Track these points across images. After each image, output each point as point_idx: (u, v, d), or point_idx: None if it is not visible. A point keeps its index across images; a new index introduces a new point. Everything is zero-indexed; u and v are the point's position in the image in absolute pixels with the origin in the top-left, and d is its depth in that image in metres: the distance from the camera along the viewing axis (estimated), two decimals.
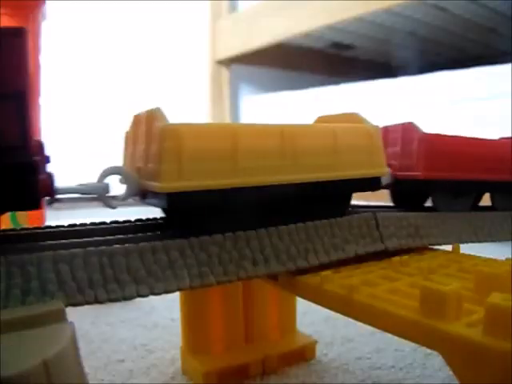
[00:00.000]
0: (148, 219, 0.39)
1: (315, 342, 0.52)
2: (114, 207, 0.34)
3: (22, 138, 0.27)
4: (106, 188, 0.33)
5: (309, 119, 0.45)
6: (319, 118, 0.44)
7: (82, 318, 0.63)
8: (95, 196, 0.33)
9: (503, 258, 0.37)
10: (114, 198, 0.34)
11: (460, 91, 1.27)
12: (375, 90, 1.45)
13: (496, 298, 0.23)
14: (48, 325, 0.24)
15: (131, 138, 0.37)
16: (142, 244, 0.30)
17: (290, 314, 0.53)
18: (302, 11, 1.45)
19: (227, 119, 1.94)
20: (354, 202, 0.41)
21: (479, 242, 0.47)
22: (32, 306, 0.25)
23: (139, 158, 0.34)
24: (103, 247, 0.29)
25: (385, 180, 0.41)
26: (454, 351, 0.24)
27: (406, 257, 0.39)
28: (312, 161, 0.35)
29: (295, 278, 0.35)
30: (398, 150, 0.45)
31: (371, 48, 1.67)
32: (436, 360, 0.49)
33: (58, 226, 0.35)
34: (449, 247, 0.43)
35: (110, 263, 0.29)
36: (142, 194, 0.34)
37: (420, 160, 0.43)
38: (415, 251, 0.41)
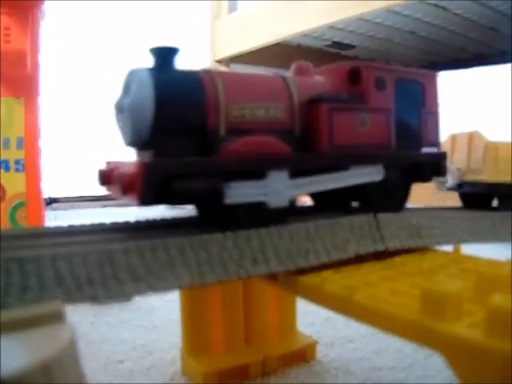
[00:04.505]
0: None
1: (315, 343, 0.52)
2: (445, 190, 0.56)
3: (437, 138, 0.47)
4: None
5: None
6: None
7: (81, 318, 0.63)
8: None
9: (504, 259, 0.37)
10: (443, 183, 0.56)
11: (460, 91, 1.27)
12: None
13: (497, 298, 0.23)
14: (48, 325, 0.24)
15: (449, 149, 0.56)
16: (141, 242, 0.30)
17: (290, 315, 0.53)
18: (302, 11, 1.45)
19: None
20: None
21: (480, 242, 0.47)
22: (32, 307, 0.25)
23: (459, 161, 0.56)
24: (103, 245, 0.29)
25: None
26: (455, 352, 0.24)
27: (406, 257, 0.39)
28: None
29: (295, 278, 0.35)
30: None
31: (371, 47, 1.67)
32: (437, 360, 0.49)
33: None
34: (450, 248, 0.43)
35: (110, 261, 0.29)
36: (458, 185, 0.55)
37: None
38: (416, 251, 0.41)
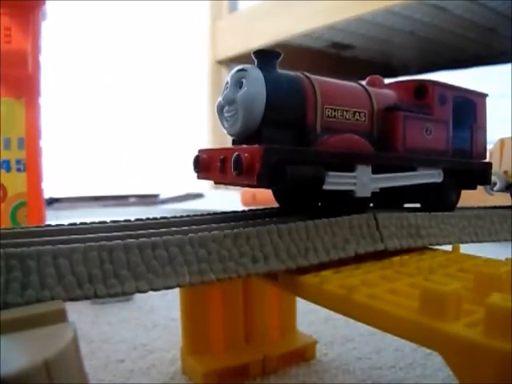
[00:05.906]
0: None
1: (315, 342, 0.52)
2: (492, 194, 0.57)
3: (484, 150, 0.52)
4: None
5: None
6: None
7: (82, 317, 0.63)
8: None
9: (503, 258, 0.38)
10: (492, 188, 0.59)
11: None
12: None
13: (496, 298, 0.23)
14: (49, 325, 0.24)
15: (493, 155, 0.62)
16: (141, 239, 0.30)
17: (290, 314, 0.53)
18: (302, 11, 1.45)
19: None
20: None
21: (479, 242, 0.47)
22: (33, 306, 0.25)
23: (505, 165, 0.60)
24: (103, 242, 0.29)
25: None
26: (454, 351, 0.24)
27: (406, 257, 0.39)
28: None
29: (295, 278, 0.35)
30: None
31: (371, 48, 1.67)
32: (436, 360, 0.49)
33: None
34: (449, 247, 0.43)
35: (110, 258, 0.29)
36: (506, 186, 0.59)
37: None
38: (415, 251, 0.41)
